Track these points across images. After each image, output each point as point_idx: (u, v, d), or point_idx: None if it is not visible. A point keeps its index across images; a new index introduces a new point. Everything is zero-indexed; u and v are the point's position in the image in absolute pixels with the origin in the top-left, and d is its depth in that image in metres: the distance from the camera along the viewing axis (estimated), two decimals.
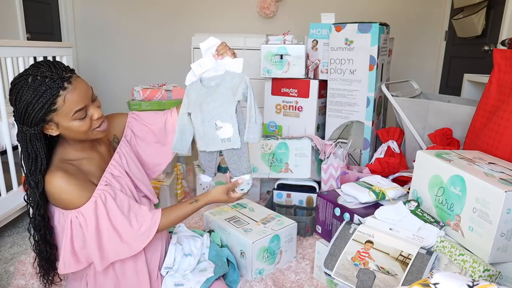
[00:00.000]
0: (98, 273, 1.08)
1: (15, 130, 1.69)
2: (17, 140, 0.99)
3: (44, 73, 0.90)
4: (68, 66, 0.97)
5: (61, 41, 3.33)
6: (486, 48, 2.43)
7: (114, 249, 1.01)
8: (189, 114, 1.15)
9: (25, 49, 1.72)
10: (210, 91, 1.12)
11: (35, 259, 1.07)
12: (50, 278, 1.10)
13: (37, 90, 0.89)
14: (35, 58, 1.76)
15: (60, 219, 1.01)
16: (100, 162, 1.09)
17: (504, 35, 2.23)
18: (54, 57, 1.90)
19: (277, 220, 1.52)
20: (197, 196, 1.17)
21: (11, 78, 1.63)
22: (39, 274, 1.09)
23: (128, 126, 1.20)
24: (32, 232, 1.02)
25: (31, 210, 1.00)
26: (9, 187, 1.66)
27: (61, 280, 1.18)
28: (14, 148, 1.69)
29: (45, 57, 1.82)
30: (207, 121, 1.13)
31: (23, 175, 1.01)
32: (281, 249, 1.47)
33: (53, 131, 0.97)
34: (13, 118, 0.93)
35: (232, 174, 1.18)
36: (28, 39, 2.81)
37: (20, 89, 0.90)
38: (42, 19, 3.15)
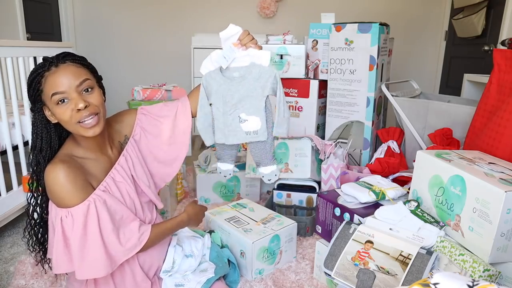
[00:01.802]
0: (98, 278, 1.07)
1: (15, 130, 1.70)
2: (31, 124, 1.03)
3: (46, 58, 0.97)
4: (72, 54, 0.99)
5: (61, 41, 3.33)
6: (486, 48, 2.44)
7: (94, 259, 0.94)
8: (210, 104, 1.13)
9: (25, 49, 1.72)
10: (234, 82, 1.10)
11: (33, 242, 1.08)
12: (42, 255, 1.10)
13: (33, 70, 0.96)
14: (35, 58, 1.75)
15: (52, 213, 0.98)
16: (106, 166, 1.05)
17: (504, 35, 2.23)
18: None
19: (277, 220, 1.52)
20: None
21: (11, 78, 1.64)
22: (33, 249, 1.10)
23: (138, 124, 1.14)
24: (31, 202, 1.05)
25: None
26: (9, 187, 1.65)
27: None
28: (14, 148, 1.68)
29: (45, 57, 1.82)
30: (230, 113, 1.11)
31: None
32: (281, 249, 1.47)
33: (51, 117, 0.98)
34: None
35: (258, 164, 1.22)
36: (28, 39, 2.80)
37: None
38: (42, 19, 3.15)
